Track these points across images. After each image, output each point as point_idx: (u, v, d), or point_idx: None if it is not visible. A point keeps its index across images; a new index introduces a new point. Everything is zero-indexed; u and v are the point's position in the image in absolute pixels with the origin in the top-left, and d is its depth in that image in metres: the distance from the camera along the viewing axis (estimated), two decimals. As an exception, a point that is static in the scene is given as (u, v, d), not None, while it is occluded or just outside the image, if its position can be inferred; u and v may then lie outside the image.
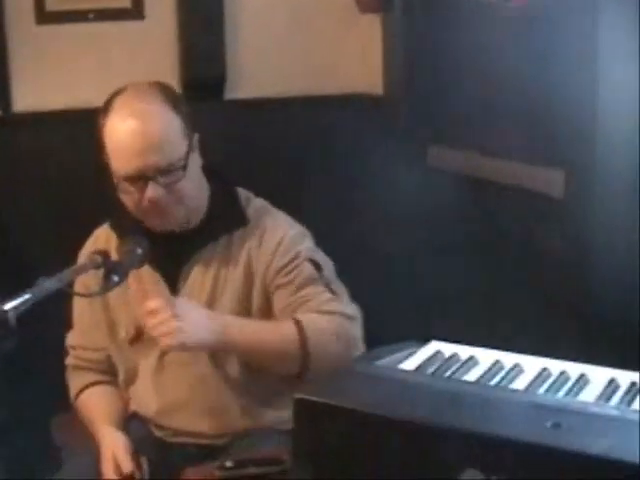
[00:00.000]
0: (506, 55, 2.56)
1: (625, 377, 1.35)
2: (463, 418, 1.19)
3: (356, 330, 1.94)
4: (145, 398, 2.07)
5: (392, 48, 3.26)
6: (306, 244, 2.03)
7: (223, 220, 2.02)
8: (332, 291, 1.97)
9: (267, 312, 2.00)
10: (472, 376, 1.36)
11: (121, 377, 2.13)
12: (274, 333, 1.90)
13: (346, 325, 1.92)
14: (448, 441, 1.16)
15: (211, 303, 2.00)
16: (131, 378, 2.10)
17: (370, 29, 3.31)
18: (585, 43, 2.21)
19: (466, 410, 1.22)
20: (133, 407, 2.11)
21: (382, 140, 3.21)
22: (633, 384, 1.32)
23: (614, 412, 1.18)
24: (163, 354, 2.01)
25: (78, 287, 2.01)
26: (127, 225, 2.01)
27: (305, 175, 3.23)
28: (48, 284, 1.59)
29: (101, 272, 1.80)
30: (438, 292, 2.70)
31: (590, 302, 2.26)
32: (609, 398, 1.27)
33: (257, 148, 3.22)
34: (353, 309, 1.97)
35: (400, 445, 1.18)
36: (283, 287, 1.98)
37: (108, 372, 2.15)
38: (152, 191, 1.89)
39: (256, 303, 2.00)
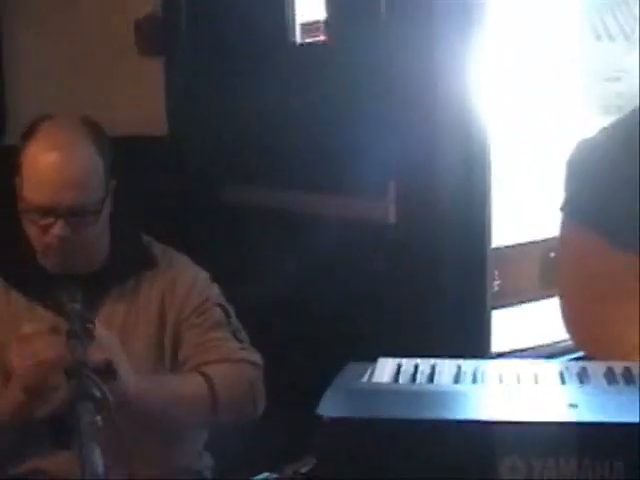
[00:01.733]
0: (320, 94, 2.75)
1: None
2: (485, 413, 1.33)
3: (259, 376, 2.00)
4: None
5: (175, 89, 3.33)
6: (215, 289, 2.06)
7: (129, 262, 1.98)
8: (238, 338, 2.02)
9: (176, 353, 1.99)
10: (448, 380, 1.50)
11: None
12: (184, 387, 1.91)
13: (252, 372, 1.99)
14: (484, 433, 1.29)
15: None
16: None
17: (151, 70, 3.35)
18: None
19: (486, 406, 1.35)
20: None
21: (170, 180, 3.26)
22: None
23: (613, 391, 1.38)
24: None
25: None
26: (21, 270, 1.92)
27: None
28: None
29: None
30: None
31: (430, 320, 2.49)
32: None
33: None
34: (257, 357, 2.03)
35: (441, 443, 1.29)
36: (195, 327, 1.98)
37: None
38: (59, 229, 1.83)
39: (167, 346, 1.98)
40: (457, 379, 1.51)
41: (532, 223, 2.67)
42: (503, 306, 2.62)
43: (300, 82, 2.88)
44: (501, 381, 1.50)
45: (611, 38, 2.72)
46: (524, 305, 2.66)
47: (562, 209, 2.13)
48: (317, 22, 2.85)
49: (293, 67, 2.91)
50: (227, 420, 1.94)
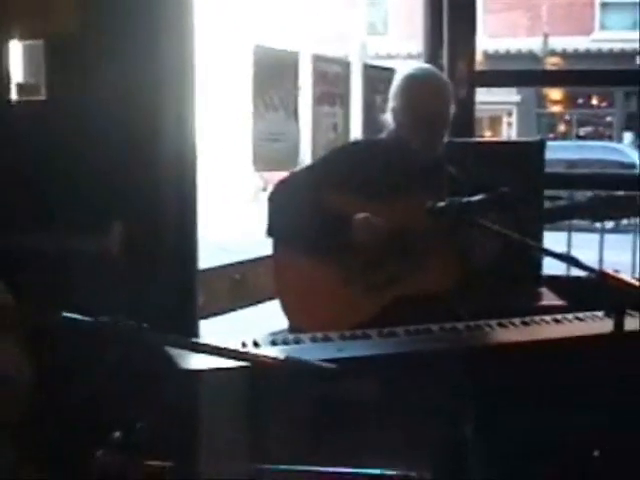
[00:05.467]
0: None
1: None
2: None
3: None
4: None
5: None
6: None
7: None
8: None
9: None
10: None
11: None
12: None
13: None
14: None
15: None
16: None
17: None
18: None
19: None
20: None
21: None
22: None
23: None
24: None
25: None
26: None
27: None
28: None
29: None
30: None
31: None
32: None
33: None
34: None
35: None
36: None
37: None
38: None
39: None
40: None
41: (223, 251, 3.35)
42: (206, 317, 3.26)
43: (18, 134, 3.30)
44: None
45: (274, 108, 3.51)
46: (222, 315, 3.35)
47: (267, 233, 2.90)
48: (35, 83, 3.29)
49: (9, 121, 3.32)
50: None
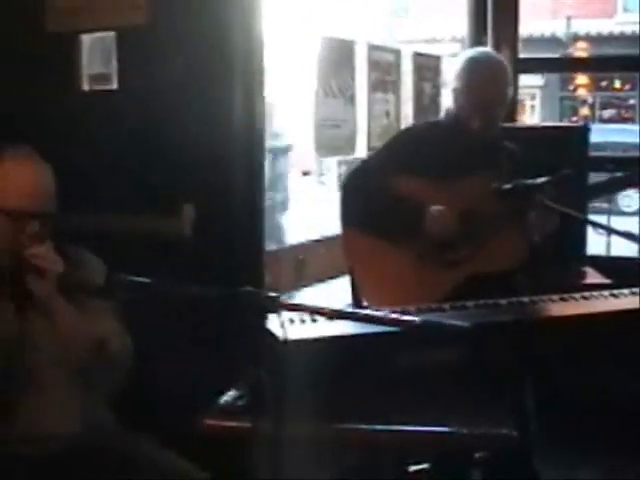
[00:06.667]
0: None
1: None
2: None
3: None
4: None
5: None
6: None
7: None
8: None
9: None
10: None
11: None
12: None
13: None
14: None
15: None
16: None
17: None
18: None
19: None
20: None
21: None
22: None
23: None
24: None
25: None
26: None
27: None
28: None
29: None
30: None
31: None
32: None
33: None
34: None
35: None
36: None
37: None
38: None
39: None
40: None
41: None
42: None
43: (90, 122, 3.46)
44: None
45: (334, 95, 3.67)
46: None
47: (342, 220, 3.08)
48: (106, 73, 3.46)
49: (82, 110, 3.48)
50: None
